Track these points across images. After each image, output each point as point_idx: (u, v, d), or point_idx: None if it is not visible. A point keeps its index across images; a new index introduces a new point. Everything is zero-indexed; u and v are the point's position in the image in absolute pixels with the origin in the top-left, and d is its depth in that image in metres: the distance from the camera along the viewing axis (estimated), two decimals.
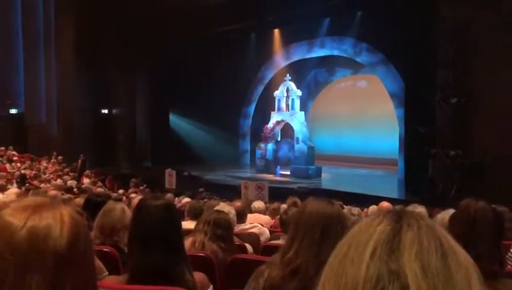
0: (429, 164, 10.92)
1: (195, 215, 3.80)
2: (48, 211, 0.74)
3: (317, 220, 1.47)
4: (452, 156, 10.10)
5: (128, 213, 2.49)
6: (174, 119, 18.76)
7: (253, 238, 3.60)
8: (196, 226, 2.77)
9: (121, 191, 9.77)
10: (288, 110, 15.98)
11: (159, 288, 1.50)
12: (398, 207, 0.68)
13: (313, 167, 15.44)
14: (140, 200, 1.82)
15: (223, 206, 3.47)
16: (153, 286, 1.51)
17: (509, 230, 3.88)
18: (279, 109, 16.24)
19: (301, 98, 16.13)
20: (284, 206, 5.49)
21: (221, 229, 2.60)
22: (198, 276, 1.73)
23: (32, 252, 0.69)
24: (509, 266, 2.58)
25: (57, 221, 0.73)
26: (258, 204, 5.71)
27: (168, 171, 13.12)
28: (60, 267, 0.70)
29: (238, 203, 4.27)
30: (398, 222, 0.60)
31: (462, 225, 1.67)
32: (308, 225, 1.47)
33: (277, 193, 10.30)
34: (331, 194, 9.37)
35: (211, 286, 1.79)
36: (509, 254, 3.24)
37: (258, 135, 17.09)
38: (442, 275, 0.55)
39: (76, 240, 0.73)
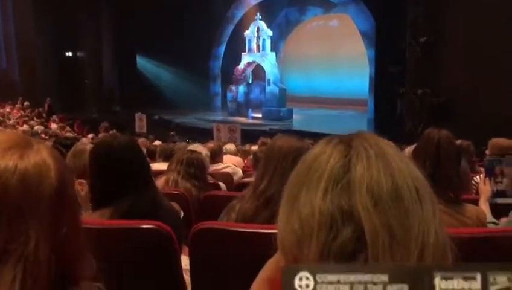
0: (398, 103, 11.13)
1: (166, 156, 3.80)
2: (34, 153, 0.71)
3: (287, 151, 1.49)
4: (420, 95, 10.30)
5: None
6: (142, 62, 18.18)
7: (227, 177, 3.65)
8: (168, 166, 2.77)
9: (90, 135, 9.60)
10: (259, 51, 15.71)
11: (144, 222, 1.49)
12: (347, 135, 0.67)
13: (284, 108, 15.48)
14: (100, 141, 1.79)
15: (196, 147, 3.47)
16: (138, 219, 1.51)
17: (473, 163, 4.07)
18: (249, 50, 15.94)
19: (272, 38, 15.82)
20: (254, 148, 5.54)
21: (194, 168, 2.61)
22: (173, 204, 1.79)
23: (26, 196, 0.67)
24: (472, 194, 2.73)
25: (45, 163, 0.70)
26: (229, 146, 5.75)
27: (138, 115, 12.93)
28: (54, 208, 0.69)
29: (211, 144, 4.28)
30: (347, 155, 0.59)
31: (425, 152, 1.71)
32: (280, 157, 1.49)
33: (249, 135, 10.35)
34: (302, 135, 9.43)
35: (182, 213, 1.86)
36: (473, 182, 3.43)
37: (229, 77, 16.84)
38: (395, 208, 0.55)
39: (64, 180, 0.72)
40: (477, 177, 3.60)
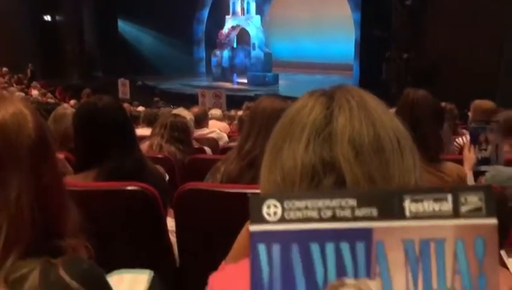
0: (383, 67, 11.14)
1: (150, 121, 3.76)
2: (10, 104, 0.69)
3: (272, 112, 1.48)
4: (405, 59, 10.30)
5: None
6: (124, 26, 17.70)
7: (212, 142, 3.64)
8: (152, 130, 2.75)
9: (72, 101, 9.43)
10: (243, 15, 15.42)
11: (129, 184, 1.48)
12: (330, 88, 0.67)
13: (270, 74, 15.37)
14: (85, 102, 1.77)
15: (181, 111, 3.44)
16: (124, 181, 1.50)
17: (456, 126, 4.13)
18: (234, 13, 15.63)
19: (257, 1, 15.51)
20: (240, 113, 5.53)
21: (179, 132, 2.59)
22: (158, 167, 1.78)
23: (5, 146, 0.65)
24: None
25: (22, 113, 0.69)
26: (215, 111, 5.73)
27: (121, 80, 12.72)
28: (34, 158, 0.68)
29: (195, 109, 4.24)
30: (330, 107, 0.59)
31: (402, 112, 1.72)
32: (264, 118, 1.48)
33: (234, 101, 10.30)
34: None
35: (167, 176, 1.86)
36: (455, 144, 3.49)
37: (213, 41, 16.56)
38: (376, 159, 0.55)
39: (42, 129, 0.71)
40: (460, 139, 3.67)
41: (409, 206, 0.27)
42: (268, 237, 0.28)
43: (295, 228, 0.27)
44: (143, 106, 8.36)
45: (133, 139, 1.72)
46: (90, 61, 17.06)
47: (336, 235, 0.27)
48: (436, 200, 0.27)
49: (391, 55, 10.62)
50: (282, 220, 0.28)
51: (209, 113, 5.61)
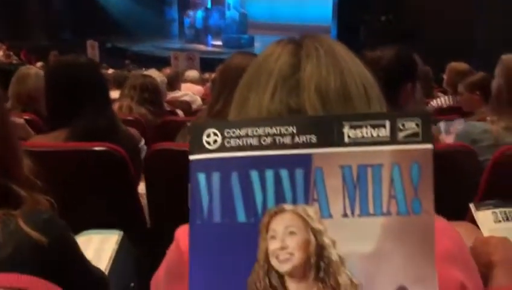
0: (361, 29, 11.10)
1: (119, 84, 3.67)
2: None
3: (244, 70, 1.46)
4: (383, 22, 10.28)
5: None
6: None
7: (185, 105, 3.60)
8: (121, 92, 2.69)
9: (39, 64, 9.10)
10: None
11: (102, 144, 1.46)
12: (298, 36, 0.67)
13: (245, 36, 15.12)
14: (57, 60, 1.72)
15: (152, 72, 3.36)
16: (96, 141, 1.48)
17: (432, 89, 4.20)
18: None
19: None
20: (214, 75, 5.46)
21: (149, 93, 2.55)
22: (132, 130, 1.76)
23: None
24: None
25: None
26: (192, 73, 5.63)
27: (89, 42, 12.27)
28: None
29: (167, 70, 4.17)
30: (297, 55, 0.58)
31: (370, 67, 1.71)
32: (237, 75, 1.46)
33: (209, 64, 10.11)
34: None
35: (143, 140, 1.83)
36: (429, 107, 3.56)
37: (186, 1, 16.08)
38: (343, 107, 0.55)
39: None
40: (434, 101, 3.73)
41: (347, 132, 0.28)
42: (208, 166, 0.28)
43: (235, 156, 0.28)
44: (113, 69, 8.13)
45: (108, 100, 1.71)
46: (58, 22, 16.37)
47: (276, 162, 0.28)
48: (374, 126, 0.28)
49: (369, 17, 10.57)
50: (222, 148, 0.28)
51: (186, 75, 5.52)
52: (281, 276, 0.28)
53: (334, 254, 0.27)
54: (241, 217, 0.27)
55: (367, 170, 0.28)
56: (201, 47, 14.56)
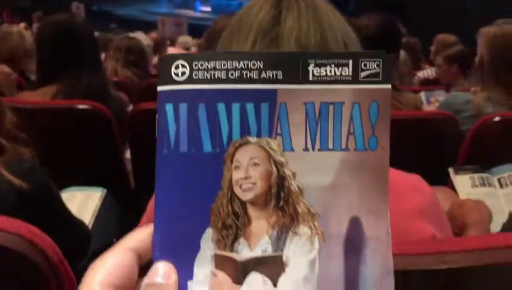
0: (351, 0, 10.96)
1: (104, 46, 3.60)
2: None
3: None
4: None
5: (28, 37, 2.29)
6: None
7: None
8: (106, 54, 2.65)
9: (22, 24, 8.84)
10: None
11: (88, 102, 1.45)
12: None
13: (234, 2, 14.84)
14: (49, 18, 1.68)
15: (138, 35, 3.30)
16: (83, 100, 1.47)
17: (419, 61, 4.20)
18: None
19: None
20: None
21: (135, 55, 2.51)
22: (121, 94, 1.75)
23: None
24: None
25: None
26: (185, 39, 5.56)
27: (74, 4, 11.93)
28: None
29: (154, 35, 4.10)
30: (278, 7, 0.58)
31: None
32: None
33: (197, 31, 9.93)
34: None
35: (131, 105, 1.82)
36: (416, 78, 3.58)
37: None
38: None
39: None
40: (421, 72, 3.75)
41: (312, 70, 0.29)
42: (176, 97, 0.29)
43: (202, 88, 0.29)
44: (99, 32, 7.94)
45: (99, 60, 1.70)
46: None
47: (242, 96, 0.29)
48: (337, 65, 0.29)
49: None
50: (190, 80, 0.29)
51: (177, 40, 5.44)
52: (243, 204, 0.29)
53: (293, 185, 0.29)
54: (207, 147, 0.29)
55: (329, 107, 0.29)
56: (190, 12, 14.27)
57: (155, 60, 3.58)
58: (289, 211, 0.29)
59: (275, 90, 0.28)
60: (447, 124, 1.59)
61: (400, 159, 0.83)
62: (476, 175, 1.51)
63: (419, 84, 3.40)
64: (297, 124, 0.29)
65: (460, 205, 1.29)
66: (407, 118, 1.54)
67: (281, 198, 0.29)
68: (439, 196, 1.00)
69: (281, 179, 0.29)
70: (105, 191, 1.29)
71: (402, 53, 2.77)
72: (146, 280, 0.27)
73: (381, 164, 0.29)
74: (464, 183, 1.50)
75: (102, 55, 2.99)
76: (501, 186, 1.49)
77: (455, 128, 1.59)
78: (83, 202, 1.23)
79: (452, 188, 1.51)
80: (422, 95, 2.38)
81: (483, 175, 1.51)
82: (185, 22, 10.35)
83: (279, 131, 0.29)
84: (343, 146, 0.29)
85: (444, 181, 1.54)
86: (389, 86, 0.29)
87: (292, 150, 0.29)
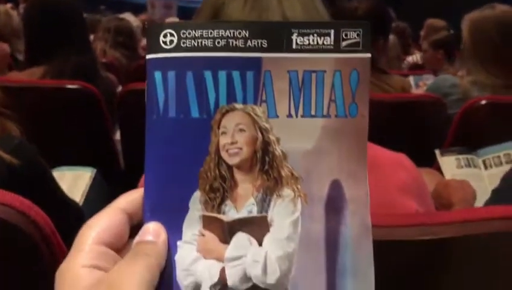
0: None
1: (93, 28, 3.56)
2: None
3: None
4: None
5: (15, 17, 2.25)
6: None
7: None
8: (95, 35, 2.62)
9: (9, 5, 8.67)
10: None
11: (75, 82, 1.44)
12: None
13: None
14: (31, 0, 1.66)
15: (127, 16, 3.27)
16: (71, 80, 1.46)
17: (409, 46, 4.21)
18: None
19: None
20: None
21: (123, 37, 2.49)
22: (110, 75, 1.74)
23: None
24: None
25: None
26: (174, 20, 5.49)
27: None
28: None
29: (143, 17, 4.05)
30: None
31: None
32: None
33: (187, 13, 9.82)
34: None
35: (120, 86, 1.82)
36: (405, 63, 3.59)
37: None
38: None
39: None
40: (410, 57, 3.76)
41: (295, 39, 0.30)
42: (164, 65, 0.30)
43: (190, 56, 0.29)
44: (87, 13, 7.82)
45: (88, 42, 1.68)
46: None
47: (228, 64, 0.30)
48: (320, 34, 0.30)
49: None
50: (178, 48, 0.29)
51: (167, 21, 5.38)
52: (230, 168, 0.31)
53: (278, 150, 0.30)
54: (195, 113, 0.30)
55: (311, 76, 0.30)
56: None
57: (144, 42, 3.55)
58: (273, 175, 0.30)
59: (259, 59, 0.30)
60: (434, 107, 1.61)
61: (388, 140, 0.85)
62: (461, 156, 1.54)
63: (409, 69, 3.42)
64: (281, 92, 0.30)
65: (446, 185, 1.32)
66: (395, 100, 1.56)
67: (265, 162, 0.30)
68: (426, 177, 1.02)
69: (266, 144, 0.30)
70: (95, 171, 1.30)
71: (391, 37, 2.78)
72: (137, 238, 0.29)
73: (361, 130, 0.31)
74: (450, 164, 1.53)
75: (91, 37, 2.96)
76: (486, 167, 1.52)
77: (443, 111, 1.61)
78: (73, 181, 1.23)
79: (439, 170, 1.54)
80: (411, 79, 2.40)
81: (469, 157, 1.54)
82: (175, 4, 10.19)
83: (264, 98, 0.30)
84: (325, 113, 0.30)
85: (431, 163, 1.57)
86: (368, 55, 0.30)
87: (276, 116, 0.30)
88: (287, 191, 0.30)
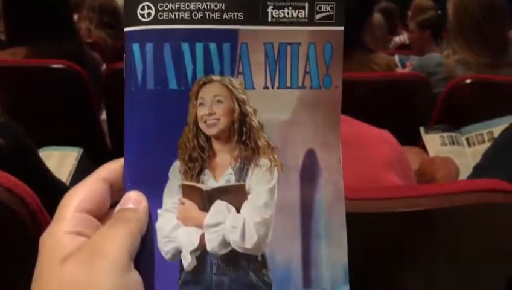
0: None
1: (77, 7, 3.49)
2: None
3: None
4: None
5: None
6: None
7: None
8: (79, 14, 2.57)
9: None
10: None
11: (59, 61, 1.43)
12: None
13: None
14: None
15: None
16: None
17: (396, 26, 4.20)
18: None
19: None
20: None
21: (109, 16, 2.45)
22: (95, 54, 1.73)
23: None
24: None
25: None
26: None
27: None
28: None
29: None
30: None
31: None
32: None
33: None
34: None
35: (104, 65, 1.80)
36: (392, 43, 3.59)
37: None
38: None
39: None
40: (398, 38, 3.76)
41: (271, 12, 0.31)
42: (142, 37, 0.30)
43: (167, 28, 0.30)
44: None
45: (72, 21, 1.65)
46: None
47: (205, 36, 0.30)
48: (294, 7, 0.31)
49: None
50: (155, 20, 0.30)
51: None
52: (208, 138, 0.31)
53: (254, 121, 0.31)
54: (173, 84, 0.30)
55: (287, 48, 0.31)
56: None
57: None
58: (251, 145, 0.31)
59: (236, 31, 0.30)
60: (419, 86, 1.62)
61: (374, 119, 0.86)
62: (445, 134, 1.57)
63: (396, 49, 3.43)
64: (257, 64, 0.31)
65: (430, 162, 1.35)
66: (380, 79, 1.57)
67: (243, 133, 0.31)
68: (410, 155, 1.04)
69: (243, 115, 0.31)
70: (81, 150, 1.30)
71: (378, 17, 2.77)
72: (118, 206, 0.30)
73: (335, 101, 0.32)
74: (434, 142, 1.56)
75: (76, 17, 2.91)
76: (469, 145, 1.55)
77: (428, 90, 1.63)
78: (60, 161, 1.23)
79: (423, 148, 1.57)
80: (396, 57, 2.41)
81: (453, 134, 1.57)
82: None
83: (240, 70, 0.31)
84: (300, 84, 0.31)
85: (416, 142, 1.59)
86: (341, 28, 0.31)
87: (253, 88, 0.31)
88: (263, 161, 0.31)
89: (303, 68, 0.31)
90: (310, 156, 0.32)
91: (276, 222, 0.31)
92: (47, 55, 1.47)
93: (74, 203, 0.28)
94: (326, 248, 0.31)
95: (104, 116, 1.61)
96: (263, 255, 0.31)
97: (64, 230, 0.27)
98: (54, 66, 1.38)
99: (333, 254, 0.31)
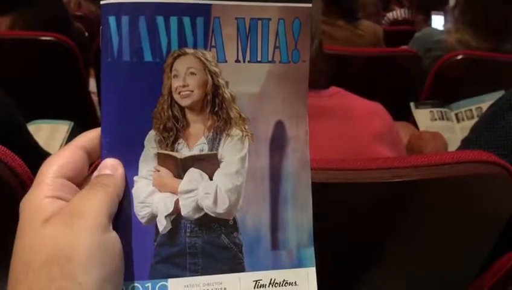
0: None
1: None
2: None
3: None
4: None
5: None
6: None
7: None
8: None
9: None
10: None
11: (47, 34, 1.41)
12: None
13: None
14: None
15: None
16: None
17: (390, 2, 4.16)
18: None
19: None
20: None
21: None
22: (78, 24, 1.70)
23: None
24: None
25: None
26: None
27: None
28: None
29: None
30: None
31: None
32: None
33: None
34: None
35: (86, 33, 1.79)
36: (386, 19, 3.56)
37: None
38: None
39: None
40: (390, 13, 3.72)
41: None
42: (118, 9, 0.31)
43: (142, 1, 0.31)
44: None
45: None
46: None
47: (179, 10, 0.31)
48: None
49: None
50: None
51: None
52: (182, 109, 0.33)
53: (227, 93, 0.33)
54: (148, 56, 0.32)
55: (257, 23, 0.32)
56: None
57: None
58: (223, 116, 0.33)
59: (209, 5, 0.31)
60: (410, 61, 1.63)
61: (364, 94, 0.87)
62: (435, 110, 1.58)
63: (389, 25, 3.40)
64: (229, 38, 0.32)
65: (419, 137, 1.37)
66: (371, 54, 1.57)
67: (215, 104, 0.33)
68: (400, 130, 1.05)
69: (216, 87, 0.33)
70: (72, 124, 1.30)
71: None
72: (95, 173, 0.31)
73: (302, 75, 0.33)
74: (424, 117, 1.58)
75: None
76: (458, 120, 1.57)
77: (418, 65, 1.63)
78: (50, 134, 1.24)
79: (413, 124, 1.58)
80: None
81: (442, 110, 1.59)
82: None
83: (213, 43, 0.32)
84: (270, 58, 0.33)
85: (406, 117, 1.61)
86: (309, 5, 0.32)
87: (225, 61, 0.32)
88: (235, 131, 0.33)
89: (273, 43, 0.32)
90: (279, 127, 0.33)
91: (246, 189, 0.33)
92: (33, 26, 1.44)
93: (53, 169, 0.30)
94: (293, 211, 0.33)
95: (92, 88, 1.61)
96: (234, 219, 0.33)
97: (44, 194, 0.29)
98: (43, 38, 1.37)
99: (299, 218, 0.33)
